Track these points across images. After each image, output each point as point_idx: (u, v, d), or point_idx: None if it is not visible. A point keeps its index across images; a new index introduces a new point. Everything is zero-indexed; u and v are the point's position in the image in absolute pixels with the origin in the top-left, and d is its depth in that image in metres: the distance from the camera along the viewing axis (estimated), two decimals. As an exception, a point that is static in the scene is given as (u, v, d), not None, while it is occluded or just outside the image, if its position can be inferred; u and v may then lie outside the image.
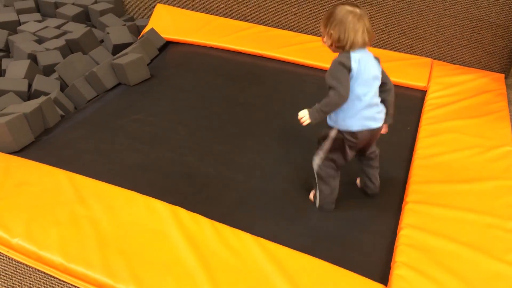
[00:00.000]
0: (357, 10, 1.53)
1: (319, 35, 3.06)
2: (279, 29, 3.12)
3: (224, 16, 3.25)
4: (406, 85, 2.62)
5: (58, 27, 3.04)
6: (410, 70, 2.71)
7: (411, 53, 2.90)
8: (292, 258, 1.50)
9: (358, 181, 1.88)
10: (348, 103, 1.55)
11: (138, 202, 1.69)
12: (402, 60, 2.81)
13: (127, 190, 1.75)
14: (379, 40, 2.94)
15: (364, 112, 1.58)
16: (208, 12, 3.29)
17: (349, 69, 1.52)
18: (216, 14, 3.27)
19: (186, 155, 2.07)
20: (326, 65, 2.73)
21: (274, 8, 3.11)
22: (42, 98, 2.25)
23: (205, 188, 1.89)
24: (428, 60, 2.81)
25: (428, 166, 1.93)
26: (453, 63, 2.84)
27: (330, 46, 1.59)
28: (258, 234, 1.59)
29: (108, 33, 2.94)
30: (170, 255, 1.49)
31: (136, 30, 3.19)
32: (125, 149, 2.10)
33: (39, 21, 3.09)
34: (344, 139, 1.62)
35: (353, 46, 1.53)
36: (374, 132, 1.63)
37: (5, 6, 3.25)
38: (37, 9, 3.28)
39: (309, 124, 1.61)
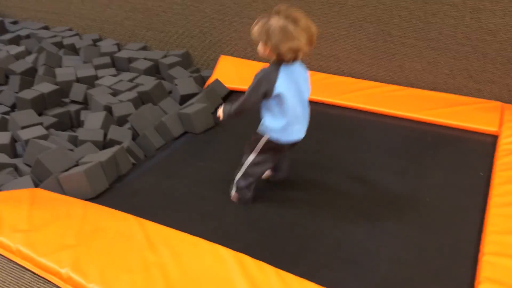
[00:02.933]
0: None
1: (381, 81, 3.07)
2: (340, 76, 3.15)
3: (285, 65, 3.33)
4: (474, 130, 2.52)
5: (131, 80, 3.27)
6: (478, 114, 2.61)
7: (479, 97, 2.81)
8: (361, 311, 1.45)
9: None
10: None
11: (204, 249, 1.72)
12: (469, 104, 2.72)
13: (194, 236, 1.79)
14: (444, 84, 2.88)
15: None
16: (267, 61, 3.38)
17: None
18: (276, 63, 3.36)
19: (250, 201, 2.10)
20: (388, 110, 2.74)
21: (335, 55, 3.16)
22: (116, 147, 2.40)
23: (270, 234, 1.89)
24: (498, 103, 2.69)
25: (506, 215, 1.82)
26: (526, 106, 2.71)
27: None
28: (323, 283, 1.55)
29: (176, 85, 3.11)
30: (236, 303, 1.49)
31: (202, 81, 3.35)
32: (191, 195, 2.16)
33: (114, 75, 3.34)
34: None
35: None
36: None
37: (84, 62, 3.56)
38: (113, 64, 3.55)
39: None
